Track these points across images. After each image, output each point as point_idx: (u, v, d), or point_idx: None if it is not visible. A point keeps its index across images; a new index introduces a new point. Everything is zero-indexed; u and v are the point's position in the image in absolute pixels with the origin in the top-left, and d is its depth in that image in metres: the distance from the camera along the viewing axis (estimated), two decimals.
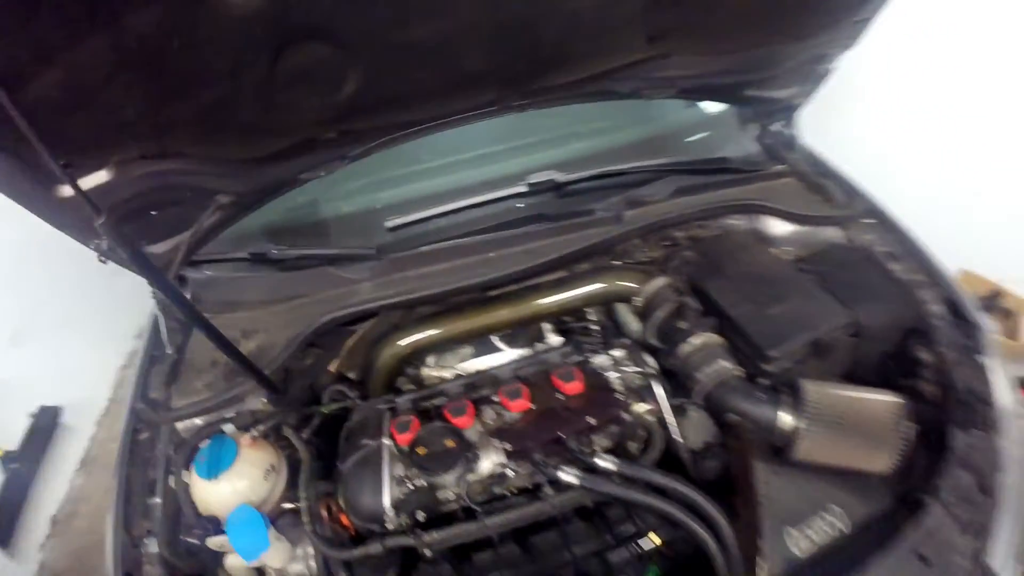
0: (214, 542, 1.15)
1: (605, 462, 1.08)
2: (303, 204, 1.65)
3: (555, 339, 1.41)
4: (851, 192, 1.56)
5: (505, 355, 1.38)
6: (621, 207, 1.43)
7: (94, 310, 2.89)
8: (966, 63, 2.41)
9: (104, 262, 1.12)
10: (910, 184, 1.69)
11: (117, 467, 1.26)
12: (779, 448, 1.11)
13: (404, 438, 1.14)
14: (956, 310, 1.32)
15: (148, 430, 1.32)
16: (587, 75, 1.22)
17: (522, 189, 1.45)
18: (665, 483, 1.06)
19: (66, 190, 1.03)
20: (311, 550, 1.15)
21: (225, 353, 1.10)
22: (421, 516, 1.10)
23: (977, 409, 1.17)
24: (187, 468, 1.22)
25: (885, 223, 1.50)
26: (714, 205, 1.46)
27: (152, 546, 1.14)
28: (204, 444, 1.25)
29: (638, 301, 1.35)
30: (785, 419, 1.09)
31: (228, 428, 1.27)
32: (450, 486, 1.11)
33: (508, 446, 1.12)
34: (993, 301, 2.58)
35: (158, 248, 1.32)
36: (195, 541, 1.17)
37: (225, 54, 0.90)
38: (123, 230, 1.20)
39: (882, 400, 1.12)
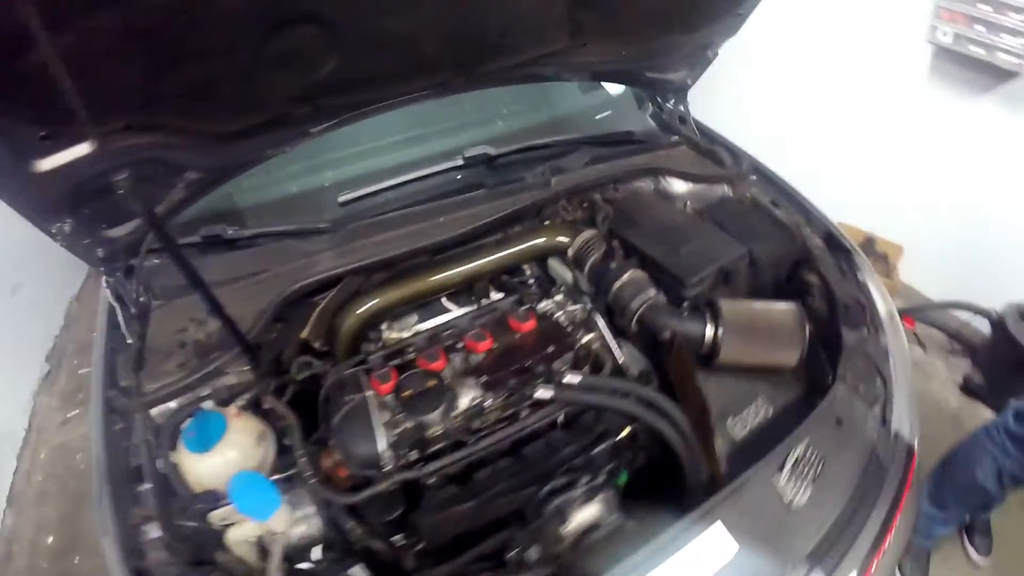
0: (217, 515, 1.14)
1: (571, 377, 1.25)
2: (246, 188, 1.68)
3: (497, 295, 1.58)
4: (736, 155, 1.86)
5: (454, 314, 1.51)
6: (547, 174, 1.64)
7: None
8: (831, 49, 2.86)
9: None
10: (791, 151, 2.03)
11: (97, 461, 1.20)
12: (706, 356, 1.36)
13: (387, 387, 1.25)
14: (832, 242, 1.64)
15: (122, 419, 1.27)
16: (521, 61, 1.41)
17: (459, 163, 1.63)
18: (626, 387, 1.26)
19: (43, 164, 1.04)
20: (311, 510, 1.19)
21: (223, 322, 1.17)
22: (414, 455, 1.21)
23: (863, 314, 1.46)
24: (173, 448, 1.21)
25: (767, 178, 1.81)
26: (626, 170, 1.71)
27: (152, 532, 1.10)
28: (186, 423, 1.25)
29: (570, 252, 1.55)
30: (708, 330, 1.35)
31: (207, 405, 1.27)
32: (436, 423, 1.23)
33: (483, 379, 1.27)
34: (869, 247, 3.01)
35: (116, 231, 1.32)
36: (191, 523, 1.15)
37: (225, 31, 0.97)
38: (83, 212, 1.24)
39: (783, 307, 1.41)
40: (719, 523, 1.06)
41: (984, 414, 2.02)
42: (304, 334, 1.39)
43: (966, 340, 2.59)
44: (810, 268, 1.60)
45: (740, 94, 2.53)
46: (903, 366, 1.41)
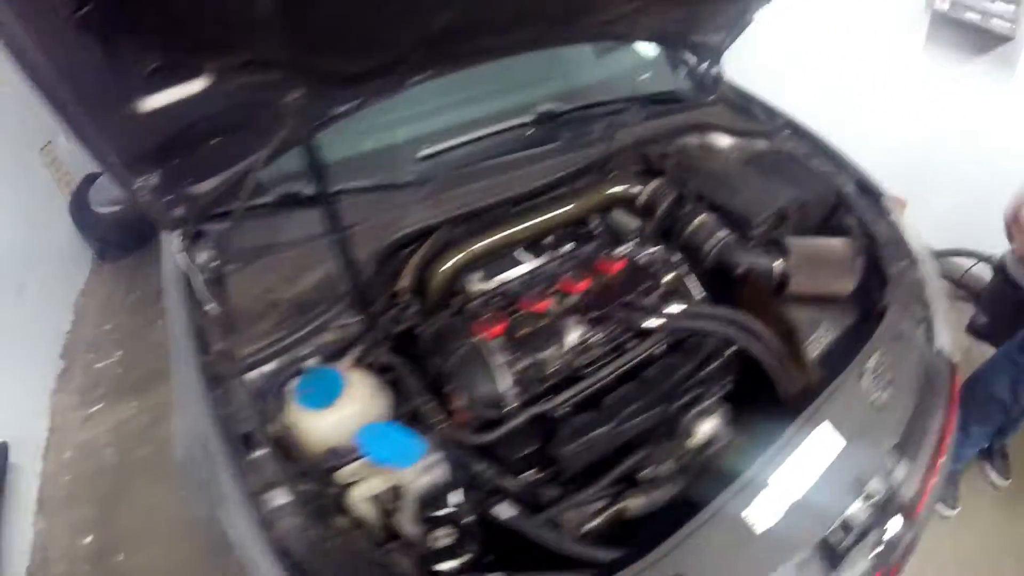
0: (347, 472, 1.13)
1: (674, 307, 1.34)
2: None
3: (569, 246, 1.63)
4: (770, 112, 1.97)
5: (532, 264, 1.56)
6: (611, 129, 1.71)
7: (7, 335, 2.63)
8: (834, 17, 3.02)
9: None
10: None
11: (200, 433, 1.13)
12: (777, 287, 1.47)
13: (497, 330, 1.29)
14: (864, 188, 1.77)
15: (218, 387, 1.19)
16: (601, 19, 1.48)
17: (529, 119, 1.69)
18: (722, 313, 1.33)
19: (151, 101, 0.98)
20: (436, 456, 1.18)
21: (349, 274, 1.20)
22: (534, 391, 1.26)
23: (899, 249, 1.59)
24: (282, 410, 1.20)
25: (800, 132, 1.93)
26: (678, 125, 1.80)
27: (276, 499, 1.03)
28: (291, 383, 1.24)
29: (642, 199, 1.63)
30: (778, 264, 1.46)
31: (311, 363, 1.26)
32: (550, 360, 1.28)
33: (587, 316, 1.34)
34: None
35: (201, 187, 1.29)
36: (313, 486, 1.11)
37: None
38: (174, 163, 1.17)
39: (837, 241, 1.54)
40: (827, 422, 1.16)
41: (991, 352, 2.19)
42: (400, 286, 1.41)
43: (970, 286, 2.79)
44: (847, 210, 1.72)
45: (743, 61, 2.65)
46: (937, 292, 1.56)
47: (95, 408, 2.77)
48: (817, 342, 1.45)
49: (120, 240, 3.48)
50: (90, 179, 3.46)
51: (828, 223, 1.76)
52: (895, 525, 1.16)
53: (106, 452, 2.62)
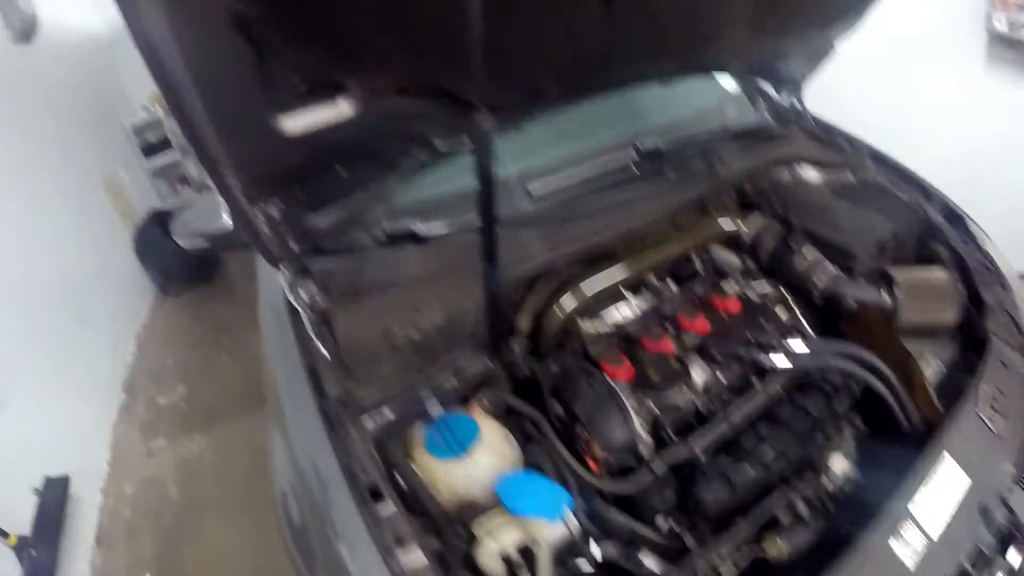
0: (483, 525, 1.07)
1: (797, 344, 1.33)
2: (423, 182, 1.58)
3: (673, 282, 1.61)
4: (853, 142, 1.97)
5: (642, 302, 1.53)
6: (710, 165, 1.71)
7: (70, 365, 2.64)
8: (895, 40, 2.99)
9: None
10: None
11: (333, 479, 1.08)
12: (886, 320, 1.47)
13: (623, 371, 1.27)
14: (950, 215, 1.77)
15: (341, 430, 1.15)
16: (715, 52, 1.49)
17: (633, 154, 1.68)
18: (843, 348, 1.33)
19: (296, 122, 0.92)
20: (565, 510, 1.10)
21: (486, 313, 1.17)
22: (666, 435, 1.24)
23: (993, 276, 1.58)
24: (409, 457, 1.16)
25: (884, 162, 1.93)
26: (771, 158, 1.79)
27: (410, 557, 0.98)
28: (415, 428, 1.21)
29: (747, 236, 1.63)
30: (886, 297, 1.46)
31: (434, 407, 1.21)
32: (680, 402, 1.27)
33: (710, 354, 1.33)
34: None
35: (319, 219, 1.25)
36: (440, 542, 1.07)
37: None
38: (300, 189, 1.12)
39: (939, 272, 1.55)
40: (950, 454, 1.15)
41: None
42: (519, 327, 1.40)
43: None
44: (937, 239, 1.71)
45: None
46: None
47: (158, 443, 2.76)
48: (925, 374, 1.43)
49: (184, 274, 3.51)
50: (158, 215, 3.52)
51: (920, 252, 1.75)
52: (1018, 554, 1.14)
53: (169, 489, 2.61)
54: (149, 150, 3.96)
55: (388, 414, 1.22)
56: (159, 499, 2.58)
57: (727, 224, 1.65)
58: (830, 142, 1.96)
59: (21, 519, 2.18)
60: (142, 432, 2.81)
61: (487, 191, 1.02)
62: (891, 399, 1.30)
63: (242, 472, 2.52)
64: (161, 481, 2.64)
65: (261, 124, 0.92)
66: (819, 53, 1.84)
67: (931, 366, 1.46)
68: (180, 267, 3.45)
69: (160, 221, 3.35)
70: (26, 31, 2.94)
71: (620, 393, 1.24)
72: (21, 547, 2.14)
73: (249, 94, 0.88)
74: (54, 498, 2.32)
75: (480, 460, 1.14)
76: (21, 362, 2.34)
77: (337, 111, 0.96)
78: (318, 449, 1.13)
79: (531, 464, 1.21)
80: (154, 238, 3.33)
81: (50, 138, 2.87)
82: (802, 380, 1.38)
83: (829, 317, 1.54)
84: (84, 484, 2.48)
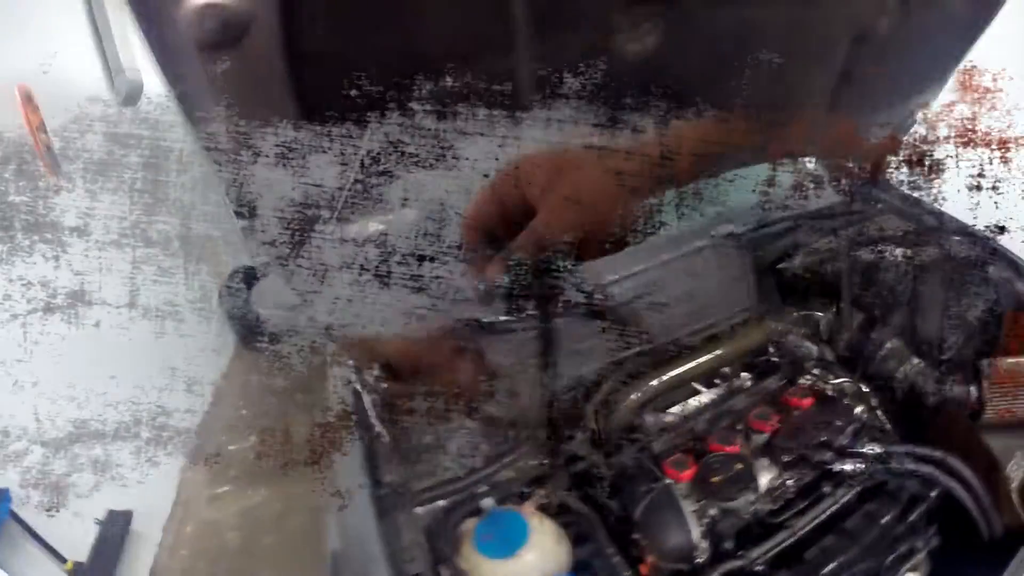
0: None
1: (869, 447, 1.25)
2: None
3: (747, 375, 1.54)
4: (939, 215, 1.86)
5: (711, 396, 1.47)
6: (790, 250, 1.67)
7: None
8: None
9: None
10: None
11: (380, 567, 1.06)
12: (971, 415, 1.38)
13: (686, 474, 1.22)
14: None
15: (391, 516, 1.16)
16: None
17: (709, 241, 1.62)
18: (921, 452, 1.24)
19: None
20: None
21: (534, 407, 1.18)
22: (726, 544, 1.18)
23: None
24: (457, 552, 1.15)
25: (971, 236, 1.80)
26: (853, 238, 1.71)
27: None
28: (465, 523, 1.20)
29: (824, 325, 1.56)
30: (973, 390, 1.37)
31: (487, 503, 1.21)
32: (742, 508, 1.20)
33: (783, 458, 1.25)
34: None
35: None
36: None
37: None
38: None
39: None
40: None
41: None
42: (583, 423, 1.37)
43: None
44: None
45: None
46: None
47: (223, 489, 2.83)
48: (1013, 474, 1.30)
49: (267, 331, 3.65)
50: (246, 271, 3.69)
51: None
52: None
53: (229, 535, 2.66)
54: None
55: (443, 504, 1.23)
56: (218, 543, 2.63)
57: (803, 312, 1.61)
58: (915, 216, 1.84)
59: (80, 547, 2.27)
60: (209, 476, 2.90)
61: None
62: (974, 509, 1.21)
63: (301, 527, 2.54)
64: (222, 526, 2.69)
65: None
66: (902, 126, 1.76)
67: (1021, 468, 1.31)
68: (264, 324, 3.59)
69: (247, 277, 3.50)
70: (133, 95, 3.21)
71: (679, 495, 1.19)
72: (76, 573, 2.23)
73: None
74: (115, 530, 2.40)
75: (528, 560, 1.13)
76: (97, 393, 2.49)
77: None
78: (366, 529, 1.13)
79: (581, 564, 1.19)
80: (239, 292, 3.49)
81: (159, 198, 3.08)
82: (875, 485, 1.29)
83: (910, 410, 1.44)
84: (146, 521, 2.57)
